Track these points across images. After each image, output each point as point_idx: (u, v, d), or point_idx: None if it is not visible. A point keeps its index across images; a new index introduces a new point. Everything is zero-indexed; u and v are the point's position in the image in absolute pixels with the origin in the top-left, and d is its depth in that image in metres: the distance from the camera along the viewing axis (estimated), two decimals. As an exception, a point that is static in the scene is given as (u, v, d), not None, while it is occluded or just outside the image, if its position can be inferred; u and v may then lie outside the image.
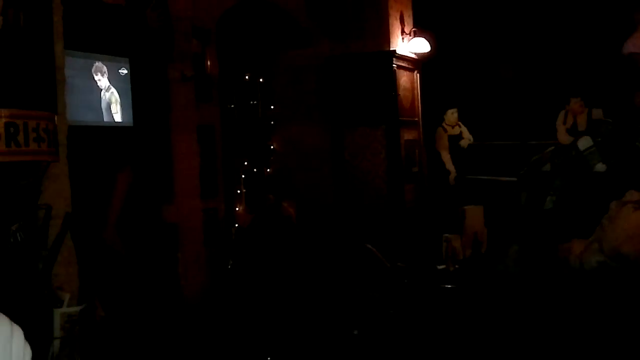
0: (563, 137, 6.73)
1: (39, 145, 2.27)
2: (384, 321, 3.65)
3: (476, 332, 3.38)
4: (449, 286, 4.04)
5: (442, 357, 3.41)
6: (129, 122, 3.98)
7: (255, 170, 6.14)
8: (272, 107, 6.23)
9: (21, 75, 2.39)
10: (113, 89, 3.82)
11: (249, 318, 4.27)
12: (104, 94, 3.78)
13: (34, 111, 2.31)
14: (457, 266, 4.29)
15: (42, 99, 2.47)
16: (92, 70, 3.65)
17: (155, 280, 4.04)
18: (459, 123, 7.31)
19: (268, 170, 6.25)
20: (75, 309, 2.56)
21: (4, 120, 2.21)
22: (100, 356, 3.18)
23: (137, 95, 4.03)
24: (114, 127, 3.90)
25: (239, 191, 5.88)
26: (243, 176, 5.97)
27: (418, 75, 6.54)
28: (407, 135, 6.32)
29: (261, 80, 6.15)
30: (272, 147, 6.26)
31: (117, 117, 3.91)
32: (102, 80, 3.73)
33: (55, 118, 2.54)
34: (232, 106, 5.76)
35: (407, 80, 6.33)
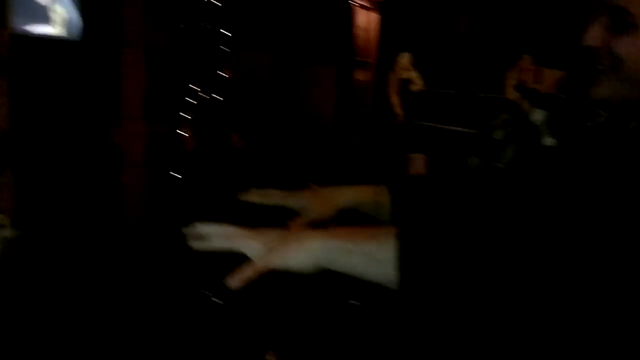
0: (511, 93, 6.86)
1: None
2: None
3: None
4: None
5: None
6: (77, 36, 3.83)
7: (204, 96, 6.03)
8: (227, 33, 6.07)
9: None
10: (58, 5, 3.64)
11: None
12: (48, 11, 3.60)
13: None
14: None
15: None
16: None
17: (98, 200, 4.00)
18: (411, 67, 7.31)
19: (219, 98, 6.14)
20: (12, 232, 2.52)
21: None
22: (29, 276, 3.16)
23: (87, 7, 3.86)
24: (62, 41, 3.74)
25: (186, 117, 5.78)
26: (191, 102, 5.86)
27: (376, 15, 6.48)
28: (360, 76, 6.30)
29: (217, 1, 5.95)
30: (224, 75, 6.13)
31: (64, 32, 3.75)
32: None
33: None
34: (183, 27, 5.58)
35: (364, 20, 6.28)
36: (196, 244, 0.89)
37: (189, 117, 5.77)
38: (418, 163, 4.83)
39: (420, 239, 0.74)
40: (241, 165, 5.06)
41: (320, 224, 1.07)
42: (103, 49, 4.09)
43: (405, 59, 7.24)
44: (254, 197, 1.12)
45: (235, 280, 0.82)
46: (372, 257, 0.77)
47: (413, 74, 7.40)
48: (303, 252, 0.81)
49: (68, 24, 3.79)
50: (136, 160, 4.49)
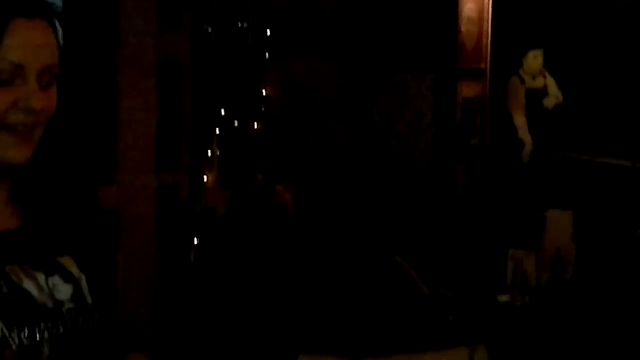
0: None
1: None
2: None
3: None
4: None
5: None
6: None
7: (237, 124, 6.09)
8: (268, 32, 6.14)
9: None
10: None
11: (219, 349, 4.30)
12: None
13: None
14: (527, 298, 4.33)
15: None
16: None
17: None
18: (544, 72, 7.21)
19: (256, 126, 6.20)
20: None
21: None
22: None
23: (70, 20, 3.96)
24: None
25: (209, 153, 5.84)
26: (218, 132, 5.92)
27: (489, 1, 6.45)
28: (467, 91, 6.26)
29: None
30: (264, 91, 6.20)
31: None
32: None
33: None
34: (210, 30, 5.67)
35: (473, 8, 6.26)
36: None
37: (215, 154, 5.83)
38: (558, 226, 4.70)
39: None
40: (291, 232, 5.05)
41: None
42: (93, 77, 4.17)
43: (534, 60, 7.14)
44: None
45: None
46: None
47: (547, 82, 7.28)
48: None
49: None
50: (141, 229, 4.53)
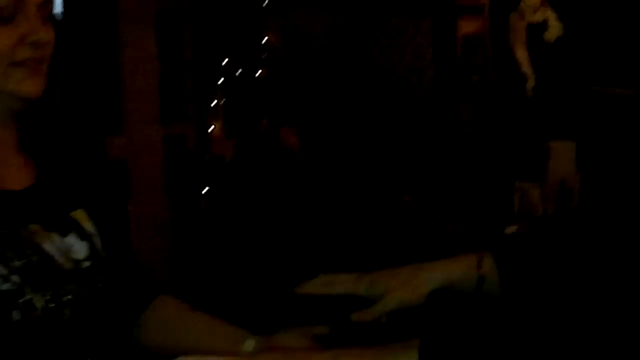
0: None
1: None
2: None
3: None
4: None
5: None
6: (58, 13, 3.94)
7: (240, 71, 6.11)
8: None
9: None
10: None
11: (228, 291, 4.37)
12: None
13: None
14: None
15: None
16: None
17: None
18: (545, 5, 7.18)
19: (259, 72, 6.22)
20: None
21: None
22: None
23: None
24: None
25: (214, 102, 5.87)
26: (222, 80, 5.95)
27: None
28: (467, 27, 6.24)
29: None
30: (265, 38, 6.21)
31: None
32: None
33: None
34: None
35: (470, -58, 6.22)
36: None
37: (220, 103, 5.85)
38: (562, 157, 4.73)
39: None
40: (298, 173, 5.10)
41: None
42: (94, 27, 4.19)
43: (534, -7, 7.12)
44: (317, 288, 1.39)
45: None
46: None
47: (548, 15, 7.25)
48: None
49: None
50: (150, 178, 4.59)
